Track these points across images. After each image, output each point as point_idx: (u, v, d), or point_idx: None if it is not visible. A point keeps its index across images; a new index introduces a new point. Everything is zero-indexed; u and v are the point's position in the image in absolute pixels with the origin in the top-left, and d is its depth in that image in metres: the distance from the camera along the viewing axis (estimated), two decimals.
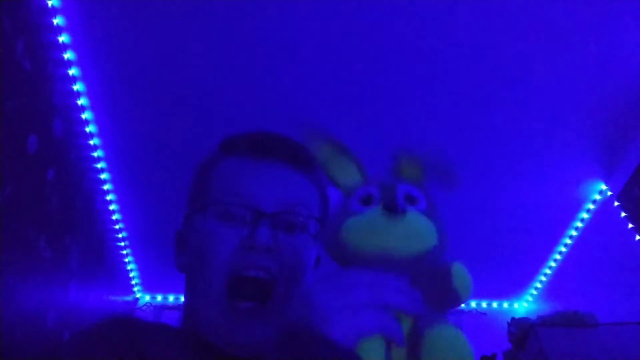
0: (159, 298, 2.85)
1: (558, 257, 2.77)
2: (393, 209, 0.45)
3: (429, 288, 0.44)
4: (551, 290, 2.89)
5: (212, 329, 0.55)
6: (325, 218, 0.64)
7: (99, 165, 2.09)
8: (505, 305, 3.15)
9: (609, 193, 2.37)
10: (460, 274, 0.45)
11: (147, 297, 2.85)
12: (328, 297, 0.42)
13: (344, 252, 0.47)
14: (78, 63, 1.76)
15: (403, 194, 0.49)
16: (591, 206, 2.49)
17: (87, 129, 1.94)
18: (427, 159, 0.52)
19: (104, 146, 2.04)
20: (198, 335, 0.57)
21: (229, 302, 0.54)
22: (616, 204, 2.31)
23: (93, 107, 1.91)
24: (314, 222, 0.59)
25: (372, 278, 0.43)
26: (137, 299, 2.84)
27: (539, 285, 2.98)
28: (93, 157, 2.03)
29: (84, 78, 1.81)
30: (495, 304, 3.14)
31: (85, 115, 1.90)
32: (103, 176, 2.14)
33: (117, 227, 2.38)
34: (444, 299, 0.45)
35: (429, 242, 0.46)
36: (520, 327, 2.11)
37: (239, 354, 0.54)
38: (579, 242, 2.62)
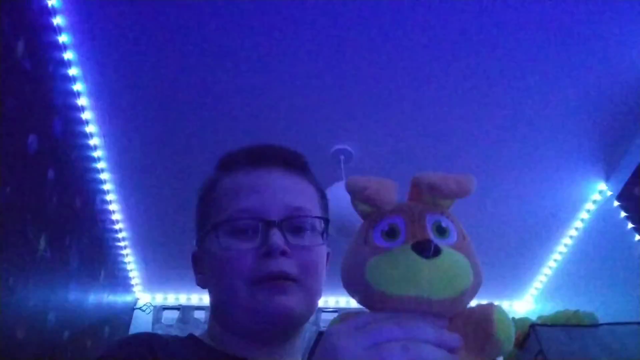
0: (159, 298, 2.85)
1: (558, 257, 2.77)
2: (425, 251, 0.39)
3: (468, 335, 0.40)
4: (551, 290, 2.89)
5: (240, 310, 0.58)
6: (327, 214, 0.68)
7: (99, 165, 2.09)
8: (505, 305, 3.15)
9: (609, 193, 2.37)
10: (504, 322, 0.41)
11: (147, 297, 2.85)
12: (354, 339, 0.37)
13: (369, 295, 0.42)
14: (78, 63, 1.76)
15: (432, 225, 0.43)
16: (591, 206, 2.49)
17: (87, 129, 1.94)
18: (448, 188, 0.43)
19: (104, 146, 2.04)
20: (216, 350, 0.60)
21: (254, 288, 0.57)
22: (616, 204, 2.31)
23: (93, 107, 1.91)
24: (319, 221, 0.64)
25: (403, 316, 0.39)
26: (137, 299, 2.84)
27: (538, 285, 2.98)
28: (93, 157, 2.03)
29: (84, 78, 1.81)
30: (495, 304, 3.14)
31: (85, 115, 1.90)
32: (103, 176, 2.14)
33: (117, 227, 2.38)
34: (484, 348, 0.40)
35: (465, 282, 0.41)
36: (520, 327, 2.11)
37: (270, 330, 0.58)
38: (578, 242, 2.62)
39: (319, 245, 0.63)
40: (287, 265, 0.57)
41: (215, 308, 0.64)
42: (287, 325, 0.59)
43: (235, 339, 0.60)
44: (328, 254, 0.68)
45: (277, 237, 0.57)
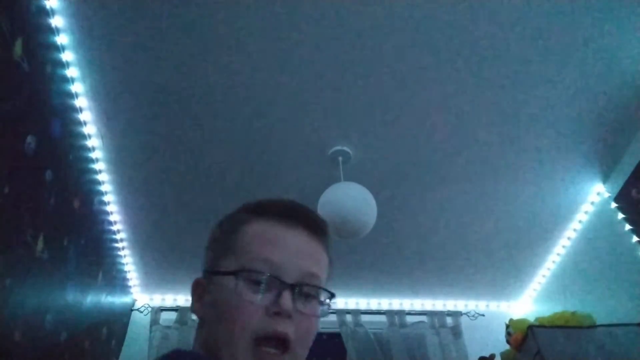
0: (157, 299, 2.85)
1: (556, 258, 2.77)
2: None
3: None
4: (549, 291, 2.90)
5: None
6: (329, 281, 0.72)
7: (97, 166, 2.09)
8: (504, 306, 3.15)
9: (607, 195, 2.38)
10: None
11: (145, 298, 2.85)
12: None
13: None
14: (76, 64, 1.76)
15: None
16: (589, 208, 2.49)
17: (85, 130, 1.94)
18: None
19: (102, 147, 2.04)
20: None
21: (255, 346, 0.59)
22: (614, 205, 2.32)
23: (91, 108, 1.90)
24: (324, 292, 0.67)
25: None
26: (135, 300, 2.83)
27: (537, 286, 2.99)
28: (91, 157, 2.03)
29: (82, 79, 1.81)
30: (493, 305, 3.15)
31: (83, 116, 1.90)
32: (101, 177, 2.14)
33: (115, 228, 2.38)
34: None
35: None
36: (519, 328, 2.12)
37: None
38: (576, 243, 2.63)
39: (318, 317, 0.66)
40: (290, 329, 0.61)
41: (208, 344, 0.64)
42: None
43: None
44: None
45: (289, 300, 0.61)
